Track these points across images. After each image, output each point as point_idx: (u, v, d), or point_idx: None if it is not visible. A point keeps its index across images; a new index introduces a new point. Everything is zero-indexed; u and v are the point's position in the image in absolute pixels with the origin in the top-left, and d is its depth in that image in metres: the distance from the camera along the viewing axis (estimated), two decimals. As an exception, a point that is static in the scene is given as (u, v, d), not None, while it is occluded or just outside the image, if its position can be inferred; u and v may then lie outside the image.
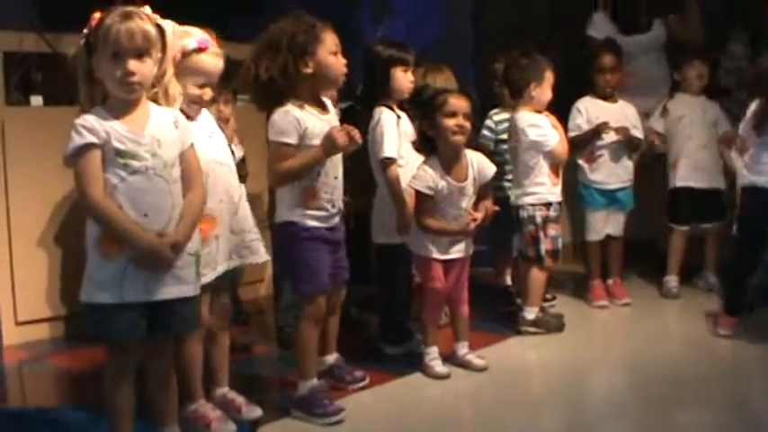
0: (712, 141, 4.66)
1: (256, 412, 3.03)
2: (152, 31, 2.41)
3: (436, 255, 3.48)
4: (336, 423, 3.00)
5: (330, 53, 3.07)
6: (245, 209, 3.05)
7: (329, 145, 3.01)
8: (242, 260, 3.01)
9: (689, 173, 4.65)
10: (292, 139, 3.00)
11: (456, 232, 3.47)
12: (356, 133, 3.04)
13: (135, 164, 2.40)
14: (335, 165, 3.13)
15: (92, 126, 2.37)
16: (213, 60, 2.84)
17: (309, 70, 3.04)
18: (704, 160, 4.65)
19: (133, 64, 2.37)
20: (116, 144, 2.38)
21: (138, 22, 2.39)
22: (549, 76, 4.05)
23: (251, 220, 3.06)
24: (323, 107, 3.14)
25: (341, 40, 3.13)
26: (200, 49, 2.81)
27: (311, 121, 3.04)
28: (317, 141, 3.02)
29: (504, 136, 4.32)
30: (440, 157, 3.48)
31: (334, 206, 3.12)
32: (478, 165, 3.54)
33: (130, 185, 2.39)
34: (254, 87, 3.08)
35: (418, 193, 3.46)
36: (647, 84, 5.00)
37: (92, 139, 2.36)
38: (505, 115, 4.35)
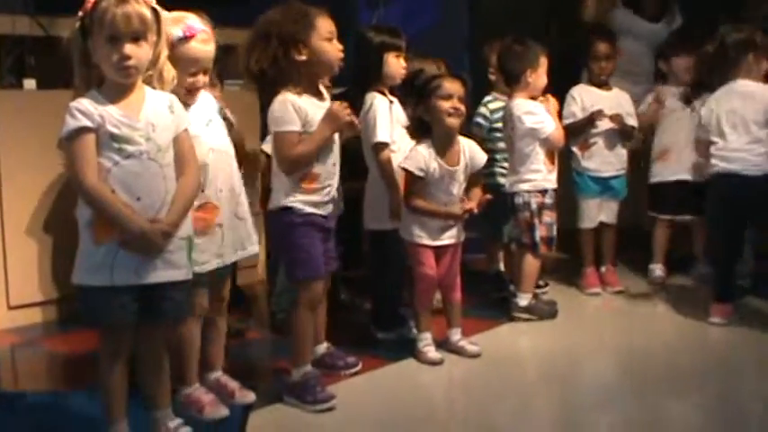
0: None
1: (249, 397, 3.03)
2: (148, 14, 2.41)
3: (427, 241, 3.48)
4: (327, 410, 3.00)
5: (324, 39, 3.06)
6: (244, 196, 3.03)
7: (332, 120, 3.02)
8: (245, 251, 3.01)
9: (679, 167, 4.59)
10: (296, 126, 3.00)
11: (446, 215, 3.47)
12: (353, 116, 3.07)
13: (129, 148, 2.40)
14: (334, 151, 3.12)
15: (86, 109, 2.36)
16: (202, 47, 2.82)
17: (303, 57, 3.03)
18: (693, 153, 4.54)
19: (129, 48, 2.37)
20: (111, 128, 2.37)
21: (135, 5, 2.38)
22: (543, 62, 4.04)
23: (247, 208, 3.05)
24: (320, 95, 3.13)
25: (337, 26, 3.11)
26: (187, 38, 2.78)
27: (311, 109, 3.04)
28: (314, 128, 3.02)
29: (499, 124, 4.31)
30: (433, 140, 3.48)
31: (329, 193, 3.11)
32: (470, 151, 3.55)
33: (124, 169, 2.39)
34: (248, 78, 3.08)
35: (409, 174, 3.46)
36: (633, 71, 5.03)
37: (86, 122, 2.35)
38: (500, 104, 4.35)
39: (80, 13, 2.42)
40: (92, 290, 2.39)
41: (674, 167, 4.63)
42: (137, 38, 2.38)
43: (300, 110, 3.01)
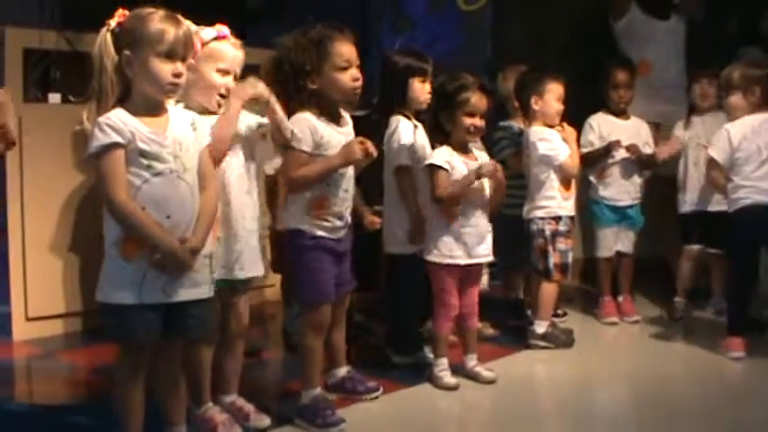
0: None
1: (265, 421, 3.02)
2: (192, 38, 2.48)
3: (461, 260, 3.47)
4: None
5: (336, 68, 3.01)
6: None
7: (346, 154, 3.00)
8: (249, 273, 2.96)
9: (694, 197, 4.56)
10: (307, 147, 2.98)
11: (476, 173, 3.42)
12: (371, 147, 3.03)
13: (159, 166, 2.41)
14: (348, 178, 3.11)
15: (116, 125, 2.36)
16: (233, 49, 2.86)
17: (315, 86, 3.01)
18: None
19: (181, 66, 2.41)
20: (140, 145, 2.38)
21: (186, 28, 2.44)
22: (551, 89, 4.04)
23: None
24: (339, 119, 3.11)
25: (359, 50, 3.09)
26: (218, 38, 2.83)
27: (327, 132, 3.03)
28: (330, 151, 3.02)
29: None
30: (451, 144, 3.50)
31: (341, 219, 3.10)
32: (482, 156, 3.59)
33: (154, 187, 2.40)
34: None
35: (434, 172, 3.44)
36: (663, 83, 4.99)
37: (117, 138, 2.36)
38: (514, 130, 4.37)
39: (111, 25, 2.43)
40: (118, 307, 2.39)
41: (692, 197, 4.57)
42: (184, 59, 2.43)
43: (316, 131, 3.00)
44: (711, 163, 4.09)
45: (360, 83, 3.07)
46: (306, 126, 2.99)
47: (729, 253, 4.16)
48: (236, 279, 2.90)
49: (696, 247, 4.62)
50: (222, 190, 2.79)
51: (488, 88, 3.57)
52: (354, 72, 3.05)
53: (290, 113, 3.00)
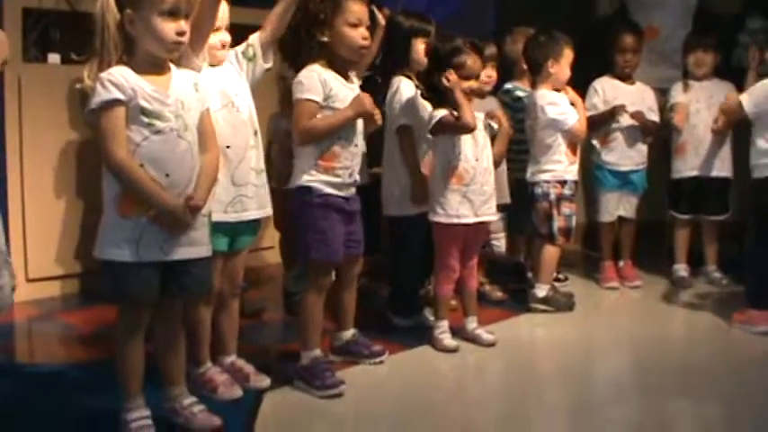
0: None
1: (265, 382, 3.01)
2: None
3: (467, 219, 3.45)
4: (335, 396, 2.98)
5: (348, 24, 3.04)
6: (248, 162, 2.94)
7: (357, 105, 3.02)
8: (237, 214, 2.89)
9: (692, 162, 4.55)
10: (318, 96, 2.99)
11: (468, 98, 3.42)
12: (378, 115, 3.08)
13: (159, 124, 2.39)
14: (358, 133, 3.11)
15: (118, 81, 2.34)
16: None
17: (325, 39, 3.03)
18: (710, 148, 4.52)
19: (184, 24, 2.39)
20: (142, 102, 2.36)
21: None
22: (567, 54, 4.02)
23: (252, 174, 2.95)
24: (347, 77, 3.12)
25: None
26: None
27: (336, 85, 3.04)
28: (338, 104, 3.02)
29: (520, 115, 4.28)
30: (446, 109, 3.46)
31: (351, 175, 3.09)
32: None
33: (153, 145, 2.38)
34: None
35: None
36: (668, 49, 4.94)
37: (118, 94, 2.34)
38: (521, 93, 4.34)
39: None
40: (116, 264, 2.38)
41: (691, 162, 4.57)
42: (187, 16, 2.40)
43: (326, 83, 3.01)
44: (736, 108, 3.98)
45: (368, 42, 3.11)
46: (316, 77, 3.01)
47: (752, 220, 4.00)
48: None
49: (687, 216, 4.61)
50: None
51: (480, 48, 3.52)
52: (363, 31, 3.08)
53: (300, 66, 3.03)
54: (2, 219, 2.59)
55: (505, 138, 3.68)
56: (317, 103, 2.99)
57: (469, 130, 3.39)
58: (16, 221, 4.07)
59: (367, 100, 3.04)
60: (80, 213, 4.26)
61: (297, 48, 3.04)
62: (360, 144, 3.13)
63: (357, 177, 3.13)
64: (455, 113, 3.36)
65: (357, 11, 3.05)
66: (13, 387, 2.98)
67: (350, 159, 3.08)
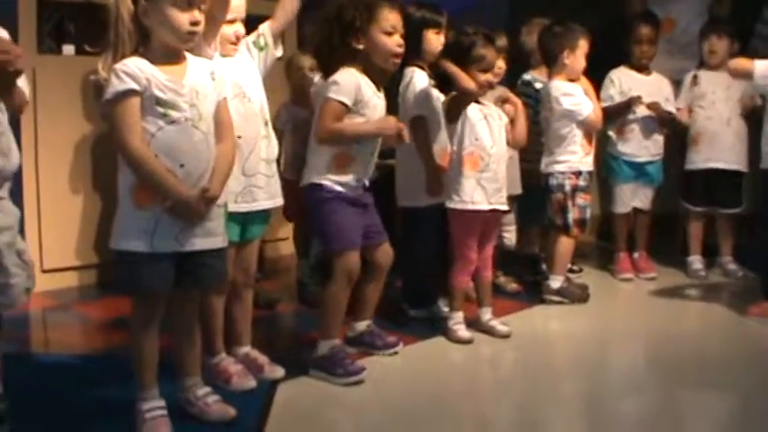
0: (735, 118, 4.50)
1: (279, 372, 3.02)
2: None
3: (482, 205, 3.46)
4: (357, 383, 3.00)
5: (383, 32, 3.07)
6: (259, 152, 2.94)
7: (383, 125, 3.07)
8: (248, 205, 2.89)
9: (706, 154, 4.52)
10: (348, 100, 3.01)
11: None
12: (407, 134, 3.11)
13: (174, 114, 2.39)
14: (375, 142, 3.14)
15: (133, 72, 2.35)
16: None
17: (360, 46, 3.04)
18: (724, 140, 4.49)
19: (199, 15, 2.39)
20: (156, 92, 2.37)
21: None
22: (582, 45, 4.00)
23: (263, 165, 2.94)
24: (378, 87, 3.14)
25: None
26: None
27: (368, 92, 3.06)
28: (366, 112, 3.05)
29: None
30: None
31: (359, 180, 3.12)
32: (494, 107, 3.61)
33: (168, 135, 2.38)
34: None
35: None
36: (685, 40, 4.90)
37: (133, 85, 2.34)
38: (538, 84, 4.32)
39: None
40: (131, 255, 2.39)
41: (705, 153, 4.54)
42: (201, 5, 2.41)
43: (359, 89, 3.03)
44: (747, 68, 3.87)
45: (402, 50, 3.13)
46: (351, 80, 3.03)
47: (764, 211, 4.02)
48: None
49: (700, 209, 4.59)
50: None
51: (492, 40, 3.52)
52: (398, 39, 3.11)
53: (332, 70, 3.05)
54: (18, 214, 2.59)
55: (522, 114, 3.66)
56: (346, 105, 3.01)
57: (471, 95, 3.43)
58: (31, 212, 4.07)
59: (393, 123, 3.08)
60: (96, 204, 4.27)
61: (331, 56, 3.06)
62: (375, 152, 3.17)
63: (366, 182, 3.16)
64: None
65: (392, 18, 3.09)
66: (29, 377, 2.99)
67: (363, 165, 3.11)
